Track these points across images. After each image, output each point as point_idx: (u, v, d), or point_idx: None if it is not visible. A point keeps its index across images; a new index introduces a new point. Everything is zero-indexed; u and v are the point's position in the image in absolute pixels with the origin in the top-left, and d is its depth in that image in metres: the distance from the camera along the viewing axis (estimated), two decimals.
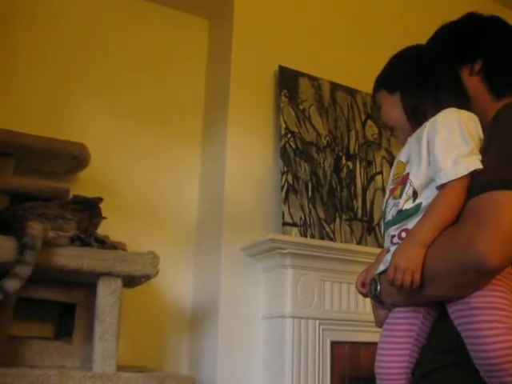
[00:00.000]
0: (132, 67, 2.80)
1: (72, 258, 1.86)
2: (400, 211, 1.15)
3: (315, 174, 2.61)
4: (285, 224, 2.44)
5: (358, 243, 2.62)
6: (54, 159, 2.33)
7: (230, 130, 2.57)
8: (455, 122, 1.14)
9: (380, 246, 2.67)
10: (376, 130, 2.88)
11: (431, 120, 1.18)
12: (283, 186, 2.50)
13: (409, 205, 1.14)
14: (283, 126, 2.59)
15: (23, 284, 1.71)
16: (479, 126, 1.15)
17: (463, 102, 1.23)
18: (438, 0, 3.22)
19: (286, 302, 2.31)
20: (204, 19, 3.04)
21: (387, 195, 1.26)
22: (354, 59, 2.93)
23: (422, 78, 1.27)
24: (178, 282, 2.61)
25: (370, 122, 2.87)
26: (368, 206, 2.73)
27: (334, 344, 2.39)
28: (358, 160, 2.77)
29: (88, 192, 2.27)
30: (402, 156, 1.25)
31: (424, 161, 1.14)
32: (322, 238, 2.51)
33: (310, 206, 2.54)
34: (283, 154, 2.55)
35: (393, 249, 1.15)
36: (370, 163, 2.80)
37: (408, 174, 1.18)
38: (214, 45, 2.97)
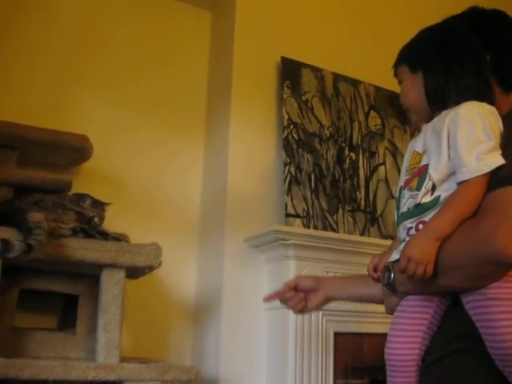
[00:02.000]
0: (134, 59, 2.79)
1: (75, 249, 1.86)
2: (418, 205, 1.15)
3: (318, 165, 2.60)
4: (288, 215, 2.44)
5: (361, 234, 2.62)
6: (57, 151, 2.33)
7: (233, 121, 2.57)
8: (478, 117, 1.12)
9: (383, 236, 2.67)
10: (379, 121, 2.88)
11: (452, 113, 1.16)
12: (286, 178, 2.50)
13: (427, 198, 1.13)
14: (286, 117, 2.59)
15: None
16: (499, 120, 1.14)
17: (486, 91, 1.21)
18: None
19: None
20: (206, 10, 3.03)
21: (401, 185, 1.25)
22: (357, 50, 2.92)
23: (449, 62, 1.23)
24: (181, 273, 2.62)
25: (373, 113, 2.87)
26: (371, 197, 2.72)
27: (337, 335, 2.40)
28: (360, 151, 2.76)
29: (90, 184, 2.29)
30: (417, 146, 1.23)
31: (444, 154, 1.13)
32: (325, 229, 2.51)
33: (313, 197, 2.54)
34: (286, 145, 2.55)
35: (407, 238, 1.16)
36: (372, 154, 2.80)
37: (425, 165, 1.16)
38: (216, 36, 2.96)
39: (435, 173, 1.13)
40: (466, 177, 1.08)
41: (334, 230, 2.54)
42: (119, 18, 2.80)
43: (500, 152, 1.09)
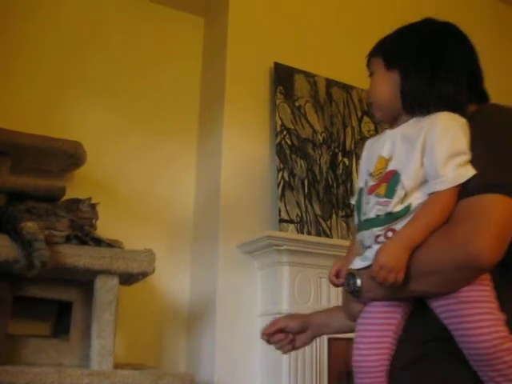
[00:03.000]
0: (127, 65, 2.80)
1: (69, 256, 1.86)
2: (390, 213, 1.14)
3: (311, 171, 2.61)
4: (281, 221, 2.44)
5: None
6: (50, 158, 2.33)
7: (226, 127, 2.58)
8: (456, 130, 1.12)
9: None
10: (372, 127, 2.88)
11: (429, 123, 1.14)
12: (279, 183, 2.51)
13: (399, 207, 1.13)
14: (279, 122, 2.59)
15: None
16: (468, 133, 1.14)
17: (463, 102, 1.20)
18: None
19: (283, 298, 2.32)
20: (199, 17, 3.04)
21: (362, 186, 1.24)
22: (350, 56, 2.92)
23: (434, 67, 1.20)
24: (175, 279, 2.62)
25: (366, 119, 2.88)
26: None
27: (331, 340, 2.39)
28: (354, 156, 2.77)
29: (84, 190, 2.28)
30: (383, 151, 1.20)
31: (417, 163, 1.13)
32: (318, 234, 2.52)
33: (307, 202, 2.54)
34: (279, 150, 2.55)
35: (376, 247, 1.14)
36: None
37: (393, 171, 1.16)
38: (209, 42, 2.97)
39: (409, 182, 1.13)
40: (442, 187, 1.09)
41: (327, 236, 2.54)
42: (113, 24, 2.81)
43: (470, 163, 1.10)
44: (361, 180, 1.26)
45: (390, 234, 1.14)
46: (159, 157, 2.75)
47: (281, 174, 2.52)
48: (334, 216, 2.61)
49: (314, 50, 2.86)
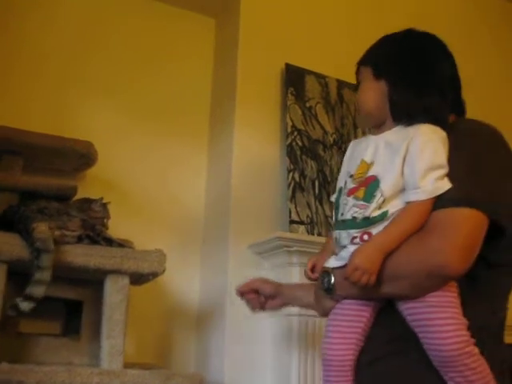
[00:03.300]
0: (138, 65, 2.80)
1: (80, 255, 1.87)
2: (367, 218, 1.20)
3: (322, 172, 2.61)
4: (292, 222, 2.44)
5: None
6: (62, 157, 2.34)
7: (237, 128, 2.58)
8: (437, 143, 1.19)
9: None
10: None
11: (412, 134, 1.20)
12: (290, 184, 2.50)
13: (376, 212, 1.19)
14: (290, 123, 2.59)
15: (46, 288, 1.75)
16: (447, 146, 1.21)
17: (447, 114, 1.27)
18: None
19: None
20: (210, 18, 3.04)
21: (341, 186, 1.30)
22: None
23: (422, 80, 1.27)
24: (185, 279, 2.62)
25: None
26: None
27: None
28: None
29: (95, 190, 2.29)
30: (366, 156, 1.26)
31: (398, 172, 1.19)
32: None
33: (317, 203, 2.54)
34: (290, 151, 2.55)
35: (351, 248, 1.21)
36: None
37: (373, 177, 1.21)
38: (220, 43, 2.97)
39: (388, 189, 1.19)
40: (421, 198, 1.15)
41: None
42: (124, 25, 2.82)
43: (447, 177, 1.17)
44: (341, 180, 1.33)
45: (365, 236, 1.20)
46: (170, 157, 2.75)
47: (291, 174, 2.52)
48: None
49: (325, 51, 2.86)
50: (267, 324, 2.40)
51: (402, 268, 1.16)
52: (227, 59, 2.82)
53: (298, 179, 2.52)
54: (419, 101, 1.24)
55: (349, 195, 1.25)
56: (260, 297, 1.64)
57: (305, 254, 2.33)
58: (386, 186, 1.19)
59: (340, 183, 1.33)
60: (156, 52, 2.87)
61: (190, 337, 2.60)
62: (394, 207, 1.18)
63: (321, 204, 2.55)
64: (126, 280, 1.94)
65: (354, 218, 1.22)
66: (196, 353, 2.58)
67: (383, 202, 1.19)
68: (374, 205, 1.19)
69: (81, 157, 2.34)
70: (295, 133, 2.59)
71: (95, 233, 1.96)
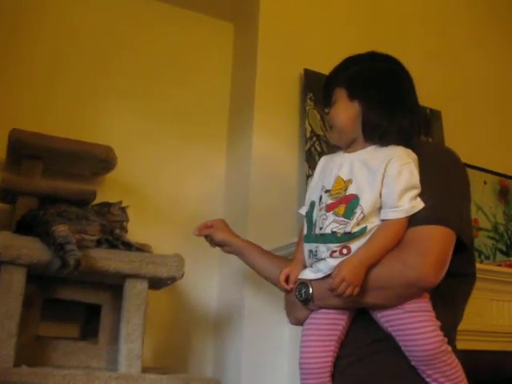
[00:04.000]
0: (157, 70, 2.82)
1: (99, 259, 1.87)
2: (348, 233, 1.28)
3: None
4: None
5: None
6: (82, 162, 2.36)
7: (255, 133, 2.57)
8: (412, 165, 1.30)
9: None
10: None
11: (389, 157, 1.30)
12: None
13: (356, 228, 1.28)
14: (308, 129, 2.59)
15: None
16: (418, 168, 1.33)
17: (415, 134, 1.40)
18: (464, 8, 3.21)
19: None
20: (229, 23, 3.05)
21: (321, 205, 1.36)
22: None
23: (394, 102, 1.37)
24: (203, 284, 2.62)
25: None
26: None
27: None
28: None
29: (114, 194, 2.30)
30: (342, 173, 1.35)
31: (377, 192, 1.28)
32: None
33: None
34: (308, 157, 2.55)
35: (331, 261, 1.29)
36: None
37: (354, 195, 1.30)
38: (239, 48, 2.98)
39: (368, 207, 1.28)
40: (399, 216, 1.27)
41: None
42: (143, 30, 2.84)
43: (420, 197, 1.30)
44: (313, 193, 1.42)
45: (344, 250, 1.28)
46: (188, 162, 2.76)
47: (310, 180, 2.51)
48: None
49: (343, 56, 2.83)
50: (285, 330, 2.39)
51: (383, 281, 1.26)
52: (246, 64, 2.82)
53: None
54: (391, 123, 1.34)
55: (328, 210, 1.32)
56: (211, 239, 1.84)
57: None
58: (366, 204, 1.28)
59: (312, 197, 1.42)
60: (175, 57, 2.88)
61: (208, 341, 2.60)
62: (371, 223, 1.28)
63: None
64: (144, 284, 1.94)
65: (334, 232, 1.30)
66: (213, 357, 2.58)
67: (362, 218, 1.28)
68: (354, 221, 1.28)
69: (100, 161, 2.35)
70: (314, 138, 2.59)
71: (114, 237, 1.97)
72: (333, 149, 2.59)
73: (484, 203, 3.10)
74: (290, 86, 2.71)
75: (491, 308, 2.53)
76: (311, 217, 1.39)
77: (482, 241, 3.01)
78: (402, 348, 1.26)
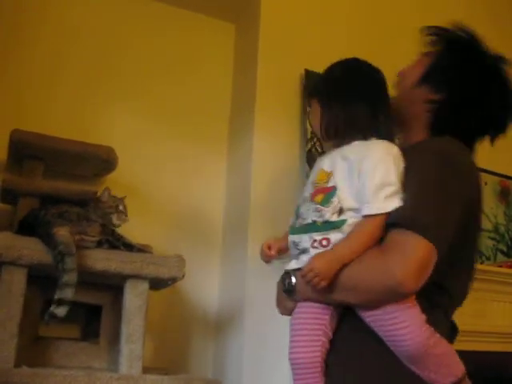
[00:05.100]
0: (158, 71, 2.82)
1: (100, 260, 1.88)
2: (326, 222, 1.28)
3: None
4: None
5: None
6: (83, 162, 2.36)
7: (256, 133, 2.57)
8: (391, 159, 1.28)
9: None
10: (402, 136, 2.85)
11: (367, 150, 1.30)
12: None
13: (334, 218, 1.27)
14: (309, 129, 2.59)
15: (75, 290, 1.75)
16: (402, 163, 1.31)
17: (370, 126, 1.36)
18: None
19: None
20: (230, 23, 3.05)
21: (307, 195, 1.37)
22: (380, 64, 2.90)
23: (345, 98, 1.38)
24: (203, 284, 2.62)
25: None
26: None
27: None
28: None
29: (115, 194, 2.30)
30: (324, 165, 1.36)
31: (355, 186, 1.28)
32: None
33: None
34: (309, 158, 2.55)
35: (312, 251, 1.29)
36: None
37: (333, 187, 1.30)
38: (240, 49, 2.98)
39: (345, 199, 1.28)
40: (373, 212, 1.24)
41: None
42: (144, 30, 2.84)
43: (400, 195, 1.26)
44: (306, 190, 1.41)
45: (324, 242, 1.28)
46: (189, 162, 2.76)
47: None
48: None
49: (344, 56, 2.84)
50: (286, 330, 2.39)
51: (361, 283, 1.24)
52: (247, 65, 2.82)
53: None
54: (343, 115, 1.35)
55: (311, 200, 1.34)
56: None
57: None
58: (343, 196, 1.28)
59: (305, 193, 1.41)
60: (176, 57, 2.88)
61: (209, 342, 2.60)
62: (351, 218, 1.27)
63: None
64: (145, 285, 1.95)
65: (314, 221, 1.30)
66: (214, 358, 2.58)
67: (341, 209, 1.27)
68: (330, 209, 1.28)
69: (101, 162, 2.35)
70: (315, 139, 2.58)
71: (115, 238, 1.97)
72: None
73: (485, 204, 3.09)
74: (291, 86, 2.70)
75: (492, 309, 2.53)
76: (298, 210, 1.40)
77: (482, 242, 3.01)
78: (391, 347, 1.24)
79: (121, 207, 2.05)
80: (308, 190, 1.40)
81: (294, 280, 1.34)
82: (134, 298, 1.93)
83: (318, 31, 2.83)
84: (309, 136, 2.58)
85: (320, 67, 2.71)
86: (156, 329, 2.38)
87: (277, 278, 2.42)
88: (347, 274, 1.24)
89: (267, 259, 1.55)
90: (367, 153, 1.30)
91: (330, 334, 1.32)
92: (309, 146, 2.56)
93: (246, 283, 2.41)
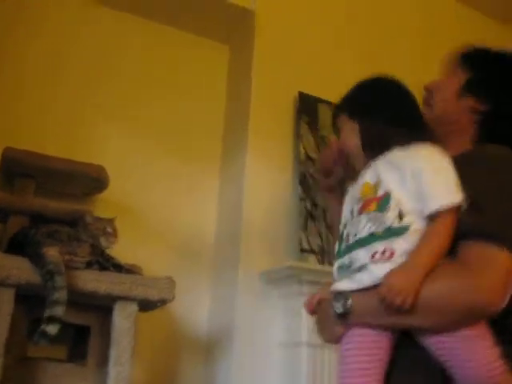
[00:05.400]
0: (151, 90, 2.82)
1: (89, 281, 1.86)
2: (388, 228, 1.13)
3: None
4: (302, 251, 2.42)
5: None
6: (74, 181, 2.35)
7: (249, 154, 2.57)
8: (442, 157, 1.17)
9: None
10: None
11: (412, 152, 1.19)
12: (301, 213, 2.49)
13: (396, 224, 1.13)
14: (302, 152, 2.59)
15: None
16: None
17: (426, 138, 1.25)
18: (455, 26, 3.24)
19: (302, 329, 2.28)
20: (225, 45, 3.06)
21: (354, 213, 1.22)
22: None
23: (385, 108, 1.31)
24: (194, 307, 2.59)
25: None
26: None
27: None
28: None
29: (106, 214, 2.28)
30: (368, 178, 1.23)
31: (409, 188, 1.15)
32: None
33: (328, 232, 2.52)
34: (302, 180, 2.55)
35: (372, 267, 1.12)
36: None
37: (385, 193, 1.16)
38: (234, 70, 2.99)
39: (403, 203, 1.14)
40: (440, 205, 1.10)
41: None
42: (139, 51, 2.85)
43: (460, 187, 1.12)
44: (347, 210, 1.28)
45: (387, 253, 1.11)
46: (182, 182, 2.75)
47: (303, 203, 2.51)
48: None
49: (338, 79, 2.82)
50: (276, 353, 2.37)
51: (439, 302, 1.09)
52: (241, 86, 2.83)
53: (309, 208, 2.51)
54: (387, 129, 1.25)
55: (360, 214, 1.20)
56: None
57: (316, 284, 2.31)
58: (400, 198, 1.14)
59: (344, 219, 1.28)
60: (170, 77, 2.88)
61: (198, 364, 2.57)
62: (415, 224, 1.12)
63: (332, 233, 2.53)
64: (134, 307, 1.92)
65: (372, 233, 1.15)
66: (204, 381, 2.55)
67: (400, 214, 1.13)
68: (390, 214, 1.13)
69: (92, 181, 2.35)
70: (308, 161, 2.59)
71: (104, 258, 1.95)
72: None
73: None
74: (285, 108, 2.72)
75: None
76: (342, 236, 1.25)
77: None
78: (455, 377, 1.10)
79: (109, 229, 2.03)
80: (348, 211, 1.27)
81: (349, 303, 1.16)
82: (123, 319, 1.90)
83: (311, 54, 2.85)
84: (302, 158, 2.58)
85: (314, 90, 2.76)
86: (145, 351, 2.36)
87: (267, 301, 2.43)
88: (427, 293, 1.08)
89: (310, 313, 1.34)
90: (415, 154, 1.19)
91: (388, 358, 1.16)
92: (302, 167, 2.56)
93: (237, 305, 2.39)
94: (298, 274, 2.29)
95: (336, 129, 1.41)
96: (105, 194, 2.46)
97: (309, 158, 2.60)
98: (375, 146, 1.26)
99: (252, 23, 2.82)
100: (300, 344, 2.26)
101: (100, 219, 2.09)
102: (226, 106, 2.96)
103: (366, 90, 1.40)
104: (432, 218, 1.11)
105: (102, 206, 2.47)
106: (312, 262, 2.41)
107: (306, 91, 2.73)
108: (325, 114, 2.74)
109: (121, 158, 2.63)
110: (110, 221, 2.09)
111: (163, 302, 2.01)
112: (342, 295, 1.17)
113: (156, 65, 2.88)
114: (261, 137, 2.61)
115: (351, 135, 1.32)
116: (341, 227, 1.28)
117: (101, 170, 2.34)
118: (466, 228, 1.11)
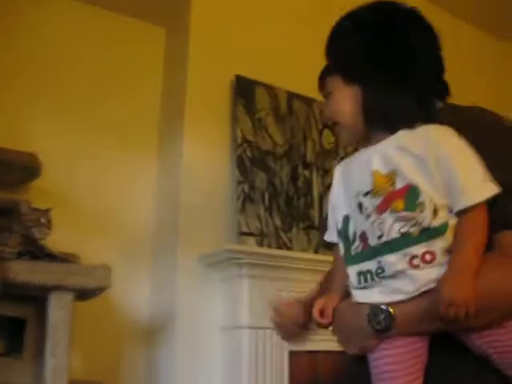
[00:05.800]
0: (85, 75, 2.76)
1: (21, 271, 1.81)
2: (427, 229, 1.01)
3: (272, 183, 2.60)
4: (241, 234, 2.43)
5: (315, 252, 2.62)
6: (5, 169, 2.28)
7: (186, 139, 2.56)
8: (464, 145, 1.03)
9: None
10: (332, 139, 2.89)
11: (434, 138, 1.04)
12: (239, 196, 2.49)
13: (436, 222, 1.01)
14: (239, 135, 2.58)
15: None
16: None
17: (434, 112, 1.10)
18: None
19: (243, 312, 2.30)
20: (161, 28, 3.02)
21: (366, 212, 1.08)
22: (311, 69, 2.92)
23: (400, 71, 1.09)
24: (134, 293, 2.58)
25: (326, 131, 2.88)
26: (325, 215, 2.73)
27: (292, 354, 2.38)
28: (314, 169, 2.78)
29: (41, 203, 2.23)
30: (375, 166, 1.07)
31: (435, 178, 1.02)
32: (279, 247, 2.51)
33: (267, 215, 2.53)
34: (239, 163, 2.54)
35: (413, 272, 1.01)
36: (326, 172, 2.81)
37: (409, 186, 1.03)
38: (170, 54, 2.95)
39: (433, 195, 1.02)
40: (477, 201, 1.00)
41: (288, 248, 2.54)
42: (67, 32, 2.77)
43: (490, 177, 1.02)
44: (343, 207, 1.13)
45: (427, 256, 1.00)
46: (119, 171, 2.71)
47: (241, 186, 2.51)
48: (294, 228, 2.60)
49: (275, 62, 2.86)
50: (218, 337, 2.38)
51: (495, 299, 1.00)
52: (177, 70, 2.80)
53: (247, 191, 2.51)
54: (394, 101, 1.08)
55: (381, 212, 1.04)
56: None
57: (255, 266, 2.33)
58: (431, 192, 1.02)
59: (342, 212, 1.13)
60: (104, 61, 2.82)
61: (140, 352, 2.56)
62: (451, 220, 1.01)
63: (271, 215, 2.54)
64: (69, 296, 1.89)
65: (404, 234, 1.02)
66: (146, 368, 2.54)
67: (435, 210, 1.01)
68: (426, 212, 1.01)
69: (25, 168, 2.29)
70: (245, 144, 2.59)
71: (37, 248, 1.91)
72: (263, 155, 2.61)
73: None
74: (221, 92, 2.70)
75: None
76: (347, 233, 1.11)
77: None
78: (504, 368, 1.02)
79: (43, 220, 1.98)
80: (350, 205, 1.11)
81: (393, 316, 1.04)
82: (58, 310, 1.87)
83: (249, 37, 2.83)
84: (239, 141, 2.57)
85: (251, 73, 2.75)
86: (86, 340, 2.33)
87: (207, 285, 2.43)
88: (481, 292, 0.97)
89: (321, 327, 1.19)
90: (433, 138, 1.04)
91: (425, 364, 1.06)
92: (239, 151, 2.56)
93: (177, 290, 2.39)
94: (237, 256, 2.29)
95: (324, 92, 1.20)
96: (40, 184, 2.41)
97: (246, 140, 2.59)
98: (377, 119, 1.10)
99: (189, 6, 2.78)
100: (241, 327, 2.28)
101: (35, 210, 2.04)
102: (162, 92, 2.92)
103: (368, 38, 1.13)
104: (465, 211, 1.01)
105: (37, 196, 2.41)
106: (251, 245, 2.42)
107: (243, 74, 2.72)
108: (262, 96, 2.74)
109: (58, 148, 2.56)
110: (45, 212, 2.06)
111: (101, 290, 1.99)
112: (380, 309, 1.05)
113: (90, 49, 2.81)
114: (197, 121, 2.59)
115: (345, 102, 1.14)
116: (341, 222, 1.14)
117: (32, 157, 2.29)
118: (502, 218, 1.03)
